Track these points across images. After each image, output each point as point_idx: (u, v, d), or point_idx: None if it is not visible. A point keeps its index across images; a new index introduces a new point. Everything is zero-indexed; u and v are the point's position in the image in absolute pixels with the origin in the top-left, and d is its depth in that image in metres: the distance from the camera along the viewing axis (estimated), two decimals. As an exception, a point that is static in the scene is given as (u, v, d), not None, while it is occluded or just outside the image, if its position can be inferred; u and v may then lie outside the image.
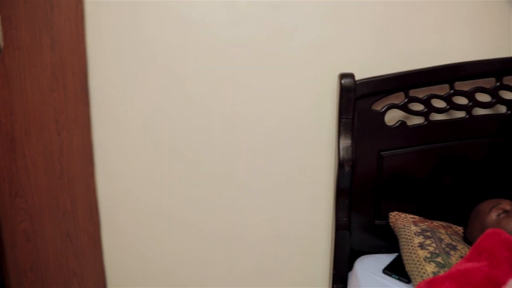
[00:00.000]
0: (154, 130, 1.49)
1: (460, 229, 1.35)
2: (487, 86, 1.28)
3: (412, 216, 1.35)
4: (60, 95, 1.44)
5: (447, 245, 1.20)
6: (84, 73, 1.43)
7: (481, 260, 0.96)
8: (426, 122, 1.31)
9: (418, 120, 1.33)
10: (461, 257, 1.13)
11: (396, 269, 1.27)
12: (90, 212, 1.55)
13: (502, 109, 1.31)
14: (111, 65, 1.43)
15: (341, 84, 1.26)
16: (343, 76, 1.27)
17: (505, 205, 1.20)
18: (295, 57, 1.40)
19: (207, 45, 1.40)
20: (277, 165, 1.50)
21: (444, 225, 1.33)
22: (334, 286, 1.42)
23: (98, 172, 1.54)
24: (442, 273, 1.06)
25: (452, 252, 1.17)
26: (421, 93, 1.29)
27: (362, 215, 1.40)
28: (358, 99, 1.28)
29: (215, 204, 1.55)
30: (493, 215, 1.19)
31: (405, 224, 1.31)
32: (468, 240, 1.27)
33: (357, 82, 1.26)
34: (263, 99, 1.45)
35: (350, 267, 1.41)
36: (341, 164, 1.30)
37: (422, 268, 1.15)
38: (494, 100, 1.29)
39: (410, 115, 1.32)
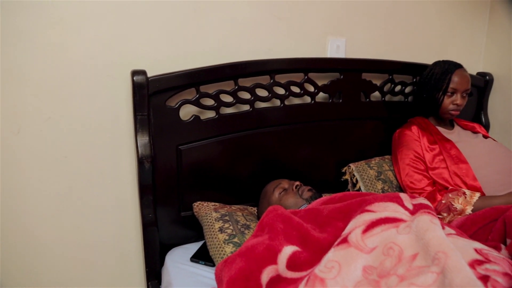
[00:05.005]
0: None
1: (254, 209, 1.45)
2: (264, 83, 1.40)
3: (213, 203, 1.39)
4: None
5: (242, 225, 1.27)
6: None
7: (264, 234, 1.03)
8: (217, 116, 1.36)
9: (210, 114, 1.36)
10: (253, 234, 1.20)
11: (202, 256, 1.29)
12: None
13: (277, 102, 1.46)
14: None
15: (133, 81, 1.20)
16: (135, 73, 1.20)
17: (284, 184, 1.34)
18: (84, 52, 1.26)
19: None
20: (75, 168, 1.34)
21: (241, 208, 1.41)
22: (149, 283, 1.36)
23: None
24: (237, 251, 1.11)
25: (246, 231, 1.24)
26: (211, 88, 1.33)
27: (168, 209, 1.37)
28: (152, 96, 1.24)
29: (7, 218, 1.30)
30: (276, 194, 1.31)
31: (207, 212, 1.33)
32: (260, 218, 1.37)
33: (150, 79, 1.21)
34: (52, 97, 1.26)
35: (163, 261, 1.36)
36: (140, 161, 1.24)
37: (222, 250, 1.19)
38: (270, 95, 1.42)
39: (203, 110, 1.35)
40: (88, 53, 1.27)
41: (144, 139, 1.24)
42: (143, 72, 1.20)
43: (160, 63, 1.31)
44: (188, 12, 1.35)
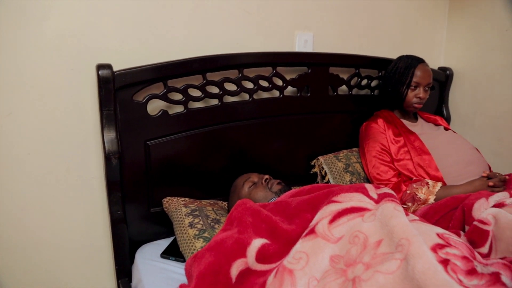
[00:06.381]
0: None
1: (225, 204, 1.43)
2: (233, 77, 1.38)
3: (183, 199, 1.37)
4: None
5: (212, 220, 1.26)
6: None
7: (233, 228, 1.02)
8: (186, 110, 1.33)
9: (178, 109, 1.33)
10: (224, 228, 1.19)
11: (172, 252, 1.27)
12: None
13: (246, 96, 1.45)
14: None
15: (98, 75, 1.15)
16: (100, 67, 1.16)
17: (254, 178, 1.33)
18: (46, 45, 1.20)
19: None
20: (40, 165, 1.29)
21: (211, 202, 1.40)
22: (119, 281, 1.32)
23: None
24: (207, 246, 1.10)
25: (216, 226, 1.23)
26: (179, 83, 1.30)
27: (137, 205, 1.34)
28: (119, 90, 1.20)
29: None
30: (246, 188, 1.30)
31: (177, 207, 1.31)
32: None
33: (116, 73, 1.17)
34: (12, 92, 1.20)
35: (133, 259, 1.33)
36: (108, 157, 1.20)
37: (192, 245, 1.17)
38: (239, 89, 1.41)
39: (171, 104, 1.32)
40: (51, 46, 1.21)
41: (111, 134, 1.20)
42: (108, 66, 1.16)
43: (127, 57, 1.27)
44: (156, 4, 1.31)
